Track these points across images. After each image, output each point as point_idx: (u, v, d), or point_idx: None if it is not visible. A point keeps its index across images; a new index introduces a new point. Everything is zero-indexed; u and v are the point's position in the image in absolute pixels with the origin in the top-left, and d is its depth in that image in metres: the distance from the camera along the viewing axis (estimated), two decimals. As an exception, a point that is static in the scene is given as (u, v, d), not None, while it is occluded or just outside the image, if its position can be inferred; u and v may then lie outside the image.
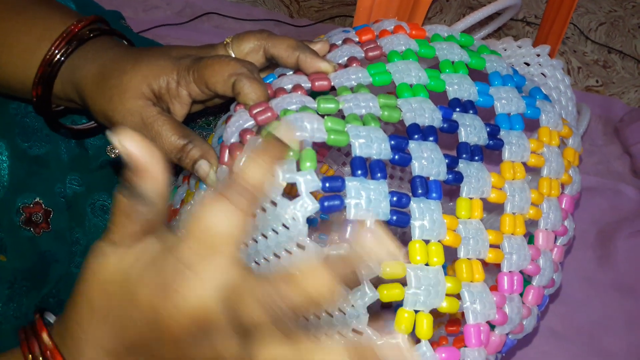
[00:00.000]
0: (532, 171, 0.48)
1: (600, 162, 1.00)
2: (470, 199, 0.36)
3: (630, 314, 0.83)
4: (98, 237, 0.55)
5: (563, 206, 0.45)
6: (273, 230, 0.30)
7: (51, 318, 0.35)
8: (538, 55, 0.58)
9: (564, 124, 0.46)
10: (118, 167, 0.58)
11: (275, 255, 0.31)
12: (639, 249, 0.89)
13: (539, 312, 0.42)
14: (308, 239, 0.29)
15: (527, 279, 0.41)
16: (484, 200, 0.38)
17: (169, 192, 0.28)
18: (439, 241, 0.33)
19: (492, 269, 0.49)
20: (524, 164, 0.41)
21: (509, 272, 0.37)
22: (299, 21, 1.12)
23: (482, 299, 0.34)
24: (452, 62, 0.42)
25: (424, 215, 0.32)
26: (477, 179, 0.36)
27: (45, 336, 0.30)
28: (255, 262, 0.33)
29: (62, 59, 0.41)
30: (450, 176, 0.35)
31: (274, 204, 0.30)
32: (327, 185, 0.31)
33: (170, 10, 1.10)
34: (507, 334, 0.37)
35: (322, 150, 0.75)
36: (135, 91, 0.39)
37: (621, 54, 1.17)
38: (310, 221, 0.29)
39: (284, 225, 0.30)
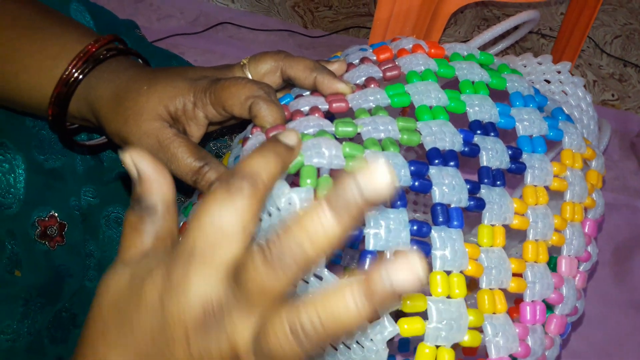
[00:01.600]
0: (555, 194, 0.46)
1: (616, 177, 0.99)
2: (492, 225, 0.35)
3: (647, 331, 0.82)
4: (112, 249, 0.55)
5: (586, 230, 0.43)
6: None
7: None
8: (559, 72, 0.57)
9: (587, 145, 0.45)
10: (130, 181, 0.58)
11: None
12: (656, 266, 0.88)
13: (560, 341, 0.41)
14: (326, 269, 0.28)
15: (549, 307, 0.39)
16: (506, 226, 0.36)
17: (176, 206, 0.28)
18: (460, 272, 0.32)
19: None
20: (547, 188, 0.40)
21: (532, 301, 0.36)
22: (313, 32, 1.12)
23: (504, 331, 0.32)
24: (473, 82, 0.41)
25: (445, 245, 0.31)
26: (499, 206, 0.35)
27: None
28: None
29: (79, 78, 0.41)
30: (472, 203, 0.34)
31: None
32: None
33: (184, 20, 1.10)
34: (529, 367, 0.36)
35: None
36: (151, 113, 0.38)
37: (637, 68, 1.15)
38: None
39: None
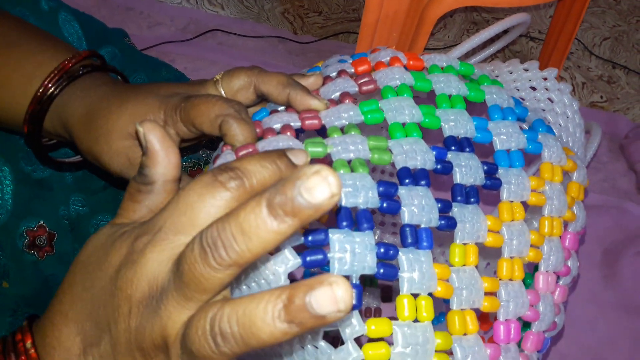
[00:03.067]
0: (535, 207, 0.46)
1: (605, 179, 0.99)
2: (465, 244, 0.35)
3: (637, 333, 0.82)
4: None
5: (566, 244, 0.43)
6: (255, 282, 0.29)
7: None
8: (545, 79, 0.57)
9: (568, 156, 0.45)
10: (119, 188, 0.58)
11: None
12: (646, 268, 0.88)
13: (539, 357, 0.41)
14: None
15: (526, 324, 0.39)
16: (480, 244, 0.36)
17: (176, 185, 0.29)
18: (429, 294, 0.31)
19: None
20: (524, 203, 0.40)
21: (506, 320, 0.36)
22: (303, 37, 1.11)
23: (474, 353, 0.32)
24: (449, 96, 0.40)
25: (413, 268, 0.31)
26: (471, 224, 0.35)
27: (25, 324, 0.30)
28: None
29: (54, 94, 0.41)
30: (443, 222, 0.33)
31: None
32: (310, 239, 0.29)
33: (174, 27, 1.10)
34: (503, 385, 0.35)
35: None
36: (122, 132, 0.38)
37: (626, 69, 1.15)
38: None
39: (264, 280, 0.28)
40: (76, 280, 0.28)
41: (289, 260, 0.28)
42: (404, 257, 0.31)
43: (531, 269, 0.43)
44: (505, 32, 1.00)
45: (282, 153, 0.26)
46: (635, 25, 1.24)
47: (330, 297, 0.20)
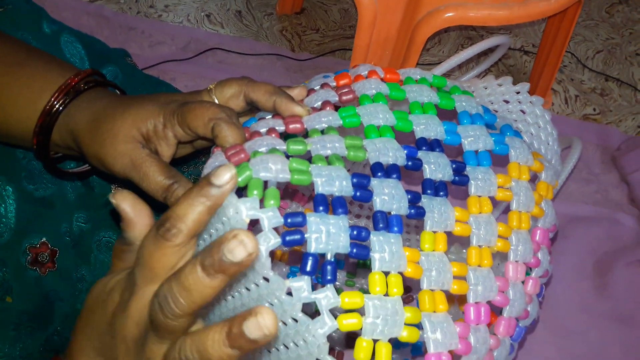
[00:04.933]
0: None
1: (597, 191, 1.01)
2: (434, 232, 0.38)
3: (628, 343, 0.83)
4: (104, 273, 0.58)
5: (537, 238, 0.46)
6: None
7: None
8: (518, 93, 0.61)
9: (535, 158, 0.48)
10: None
11: (247, 289, 0.34)
12: (637, 278, 0.88)
13: (513, 343, 0.44)
14: (272, 272, 0.31)
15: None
16: (451, 234, 0.39)
17: None
18: (399, 273, 0.35)
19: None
20: (492, 198, 0.43)
21: (475, 303, 0.39)
22: (301, 55, 1.15)
23: (443, 328, 0.35)
24: (422, 104, 0.44)
25: (384, 248, 0.34)
26: (440, 213, 0.38)
27: None
28: (224, 299, 0.36)
29: (60, 109, 0.44)
30: (412, 211, 0.37)
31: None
32: (289, 220, 0.33)
33: (175, 46, 1.14)
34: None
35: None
36: (126, 135, 0.42)
37: (618, 82, 1.18)
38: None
39: None
40: (87, 322, 0.35)
41: (270, 239, 0.32)
42: (375, 239, 0.34)
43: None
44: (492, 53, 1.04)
45: (205, 182, 0.30)
46: (628, 37, 1.27)
47: (257, 325, 0.26)
